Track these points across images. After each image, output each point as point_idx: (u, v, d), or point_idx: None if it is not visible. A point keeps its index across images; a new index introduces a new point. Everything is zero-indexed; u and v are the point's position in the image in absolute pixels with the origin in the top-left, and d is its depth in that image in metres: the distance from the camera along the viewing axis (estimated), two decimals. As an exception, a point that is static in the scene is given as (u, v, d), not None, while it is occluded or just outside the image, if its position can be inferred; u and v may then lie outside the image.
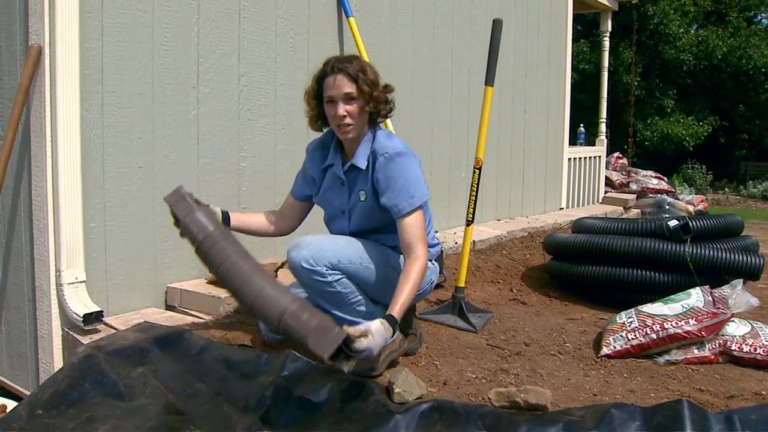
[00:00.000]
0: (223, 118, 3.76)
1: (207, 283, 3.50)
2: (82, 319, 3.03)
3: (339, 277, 2.72)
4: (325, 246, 2.72)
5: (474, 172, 3.69)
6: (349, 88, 2.73)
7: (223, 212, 2.89)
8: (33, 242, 3.21)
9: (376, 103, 2.78)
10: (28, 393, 3.29)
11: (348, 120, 2.75)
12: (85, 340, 2.99)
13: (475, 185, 3.69)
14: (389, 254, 2.90)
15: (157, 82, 3.43)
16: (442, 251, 3.17)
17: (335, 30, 4.43)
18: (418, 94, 5.19)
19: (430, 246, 2.90)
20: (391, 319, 2.51)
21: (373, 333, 2.40)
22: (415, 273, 2.62)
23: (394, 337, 2.67)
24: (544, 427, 2.33)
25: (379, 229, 2.90)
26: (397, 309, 2.55)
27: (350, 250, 2.76)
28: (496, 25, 3.65)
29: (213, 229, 2.52)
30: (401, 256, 2.80)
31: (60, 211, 3.06)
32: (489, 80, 3.66)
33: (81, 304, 3.07)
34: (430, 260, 2.93)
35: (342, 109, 2.73)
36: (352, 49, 4.44)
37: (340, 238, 2.85)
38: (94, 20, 3.17)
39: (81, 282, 3.13)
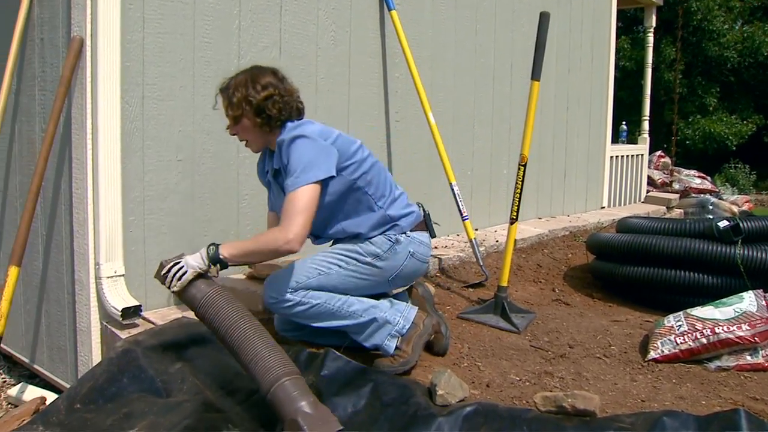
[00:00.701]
0: (263, 112, 3.70)
1: (246, 278, 3.46)
2: (120, 314, 3.01)
3: (303, 293, 2.71)
4: (280, 276, 2.74)
5: (519, 168, 3.60)
6: (231, 110, 2.77)
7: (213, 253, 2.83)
8: (73, 235, 3.20)
9: (261, 113, 2.74)
10: (67, 385, 3.30)
11: (242, 138, 2.85)
12: (123, 334, 2.97)
13: (520, 182, 3.60)
14: (348, 249, 2.83)
15: (198, 75, 3.40)
16: (427, 215, 3.05)
17: (377, 23, 4.36)
18: (460, 89, 5.10)
19: (402, 215, 2.87)
20: (210, 247, 2.53)
21: (186, 260, 2.50)
22: (266, 238, 2.56)
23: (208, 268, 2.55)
24: (594, 434, 2.24)
25: (334, 217, 2.84)
26: (226, 246, 2.55)
27: (305, 267, 2.75)
28: (543, 18, 3.55)
29: (210, 290, 2.49)
30: (368, 242, 2.81)
31: (99, 204, 3.04)
32: (536, 75, 3.56)
33: (119, 298, 3.05)
34: (404, 232, 2.87)
35: (233, 130, 2.83)
36: (394, 43, 4.38)
37: (300, 261, 2.79)
38: (135, 11, 3.14)
39: (120, 276, 3.11)
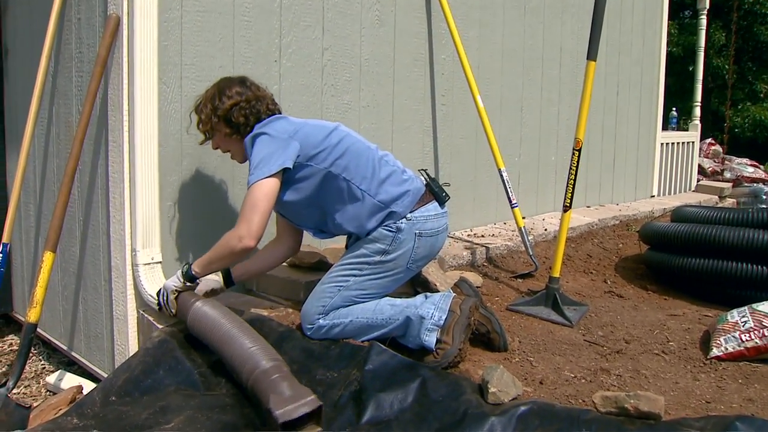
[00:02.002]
0: (305, 94, 3.61)
1: (288, 266, 3.34)
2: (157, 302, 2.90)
3: (334, 314, 2.72)
4: (308, 305, 2.75)
5: (573, 153, 3.43)
6: (201, 125, 2.83)
7: (223, 271, 2.88)
8: (109, 220, 3.11)
9: (229, 122, 2.76)
10: (104, 374, 3.24)
11: (224, 151, 2.90)
12: (160, 323, 2.87)
13: (575, 168, 3.43)
14: (356, 255, 2.75)
15: (237, 55, 3.29)
16: (429, 183, 2.85)
17: (422, 2, 4.21)
18: (508, 72, 4.93)
19: (394, 198, 2.72)
20: (185, 266, 2.72)
21: (165, 284, 2.77)
22: (221, 243, 2.62)
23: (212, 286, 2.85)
24: (660, 438, 2.08)
25: (327, 212, 2.77)
26: (196, 261, 2.70)
27: (325, 288, 2.75)
28: (600, -5, 3.36)
29: (194, 301, 2.65)
30: (371, 238, 2.73)
31: (136, 189, 2.94)
32: (591, 54, 3.37)
33: (156, 285, 2.95)
34: (403, 216, 2.72)
35: (213, 144, 2.89)
36: (440, 23, 4.24)
37: (319, 283, 2.79)
38: (173, -12, 3.03)
39: (157, 263, 3.01)
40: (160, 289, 2.77)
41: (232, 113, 2.73)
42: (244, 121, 2.74)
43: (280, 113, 2.86)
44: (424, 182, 2.84)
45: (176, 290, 2.71)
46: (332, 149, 2.68)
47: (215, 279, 2.85)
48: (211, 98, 2.77)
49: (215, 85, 2.83)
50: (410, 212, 2.72)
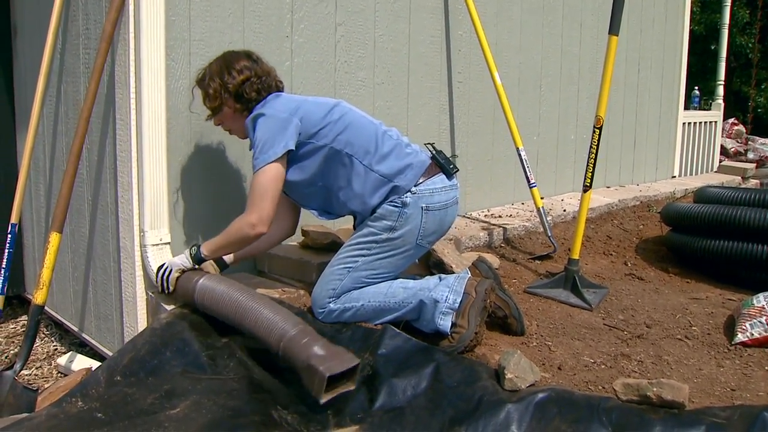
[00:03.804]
0: (318, 71, 3.51)
1: (300, 247, 3.28)
2: (166, 284, 2.85)
3: (345, 297, 2.67)
4: (318, 289, 2.71)
5: (594, 131, 3.33)
6: (209, 101, 2.73)
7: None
8: (118, 200, 3.05)
9: (240, 98, 2.70)
10: (114, 356, 3.18)
11: (227, 128, 2.84)
12: (169, 305, 2.81)
13: (595, 146, 3.33)
14: (363, 234, 2.68)
15: (248, 31, 3.20)
16: (435, 155, 2.76)
17: (438, -22, 4.10)
18: (526, 49, 4.82)
19: (397, 172, 2.63)
20: (193, 248, 2.68)
21: (169, 260, 2.74)
22: (232, 228, 2.60)
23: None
24: (684, 428, 2.00)
25: (331, 190, 2.71)
26: (206, 244, 2.67)
27: (334, 271, 2.69)
28: (623, -33, 3.25)
29: (199, 278, 2.59)
30: (376, 216, 2.66)
31: (144, 168, 2.87)
32: (613, 29, 3.26)
33: (165, 267, 2.89)
34: (408, 190, 2.63)
35: (216, 121, 2.81)
36: (457, -3, 4.13)
37: (328, 266, 2.74)
38: (181, -39, 2.95)
39: (165, 243, 2.95)
40: (163, 265, 2.72)
41: (244, 89, 2.66)
42: (256, 96, 2.68)
43: (283, 90, 2.81)
44: (430, 155, 2.75)
45: (182, 269, 2.67)
46: (333, 125, 2.62)
47: (208, 262, 2.81)
48: (219, 72, 2.69)
49: (220, 58, 2.75)
50: (415, 186, 2.63)
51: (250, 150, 2.65)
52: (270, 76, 2.73)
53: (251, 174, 3.10)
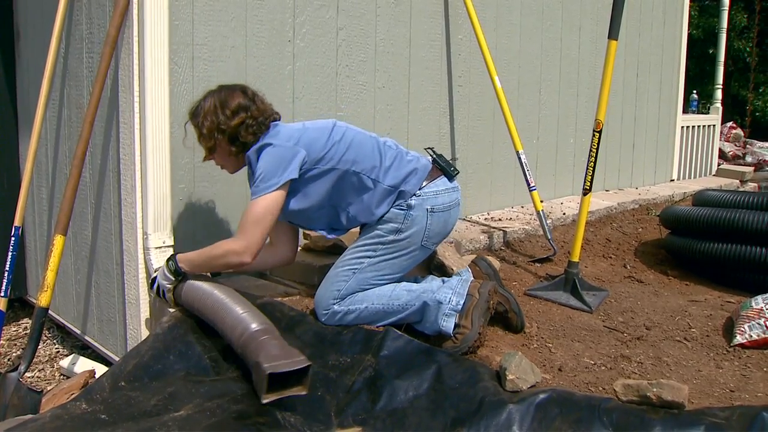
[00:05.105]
0: (320, 75, 3.54)
1: (302, 249, 3.29)
2: (169, 286, 2.86)
3: (349, 299, 2.66)
4: (322, 291, 2.70)
5: (593, 135, 3.35)
6: (203, 141, 2.66)
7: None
8: (121, 203, 3.07)
9: (235, 141, 2.62)
10: (117, 358, 3.21)
11: (219, 164, 2.77)
12: (171, 307, 2.83)
13: (595, 150, 3.35)
14: (368, 236, 2.69)
15: (250, 35, 3.22)
16: (436, 159, 2.79)
17: (439, -18, 4.13)
18: (526, 52, 4.84)
19: (402, 179, 2.65)
20: (170, 262, 2.66)
21: (159, 282, 2.71)
22: (219, 249, 2.54)
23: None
24: (683, 428, 2.02)
25: (340, 207, 2.69)
26: (183, 258, 2.64)
27: (339, 272, 2.69)
28: (622, -28, 3.27)
29: (185, 285, 2.65)
30: (382, 220, 2.66)
31: (147, 171, 2.89)
32: (613, 33, 3.28)
33: (168, 270, 2.91)
34: (413, 194, 2.65)
35: (208, 158, 2.74)
36: (457, 2, 4.16)
37: (332, 268, 2.74)
38: (184, -34, 2.97)
39: (168, 246, 2.97)
40: (155, 285, 2.74)
41: (239, 132, 2.59)
42: (253, 139, 2.61)
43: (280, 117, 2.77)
44: (431, 159, 2.78)
45: (172, 286, 2.68)
46: (337, 146, 2.60)
47: None
48: (213, 112, 2.60)
49: (214, 93, 2.65)
50: (419, 189, 2.66)
51: (249, 181, 2.64)
52: (266, 114, 2.65)
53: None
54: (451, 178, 2.76)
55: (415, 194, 2.64)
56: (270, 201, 2.48)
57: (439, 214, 2.68)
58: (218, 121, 2.58)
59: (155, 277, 2.76)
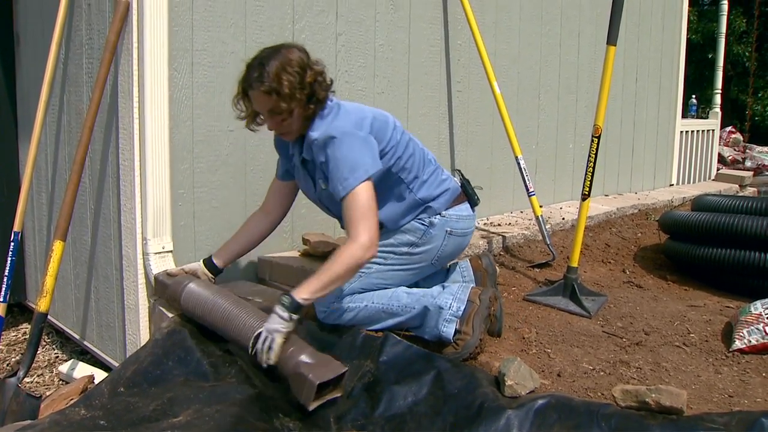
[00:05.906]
0: (318, 80, 3.52)
1: (300, 255, 3.30)
2: (168, 291, 2.86)
3: (349, 299, 2.64)
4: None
5: (592, 140, 3.35)
6: (270, 103, 2.42)
7: (205, 260, 2.82)
8: (120, 209, 3.07)
9: (304, 102, 2.44)
10: (116, 363, 3.22)
11: (282, 130, 2.54)
12: (171, 313, 2.83)
13: (593, 155, 3.35)
14: (383, 243, 2.60)
15: (250, 40, 3.23)
16: (464, 183, 2.81)
17: (438, -13, 4.14)
18: (525, 58, 4.85)
19: (434, 196, 2.66)
20: (284, 299, 2.29)
21: (267, 327, 2.31)
22: (342, 257, 2.31)
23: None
24: (682, 434, 2.01)
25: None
26: (301, 290, 2.30)
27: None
28: (620, -23, 3.28)
29: (189, 284, 2.61)
30: (401, 230, 2.66)
31: (147, 177, 2.90)
32: (611, 39, 3.28)
33: (168, 275, 2.91)
34: (438, 212, 2.66)
35: (271, 123, 2.52)
36: (456, 8, 4.17)
37: None
38: (184, -27, 2.98)
39: (168, 252, 2.97)
40: (260, 334, 2.32)
41: (315, 89, 2.44)
42: (324, 96, 2.48)
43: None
44: (459, 183, 2.80)
45: (285, 333, 2.30)
46: (396, 147, 2.56)
47: (203, 271, 2.79)
48: (285, 70, 2.37)
49: (273, 56, 2.41)
50: (445, 209, 2.69)
51: (302, 157, 2.57)
52: (325, 71, 2.53)
53: (254, 182, 3.13)
54: (473, 205, 2.81)
55: (440, 213, 2.67)
56: (366, 191, 2.37)
57: (456, 237, 2.72)
58: (296, 79, 2.38)
59: (259, 333, 2.33)
